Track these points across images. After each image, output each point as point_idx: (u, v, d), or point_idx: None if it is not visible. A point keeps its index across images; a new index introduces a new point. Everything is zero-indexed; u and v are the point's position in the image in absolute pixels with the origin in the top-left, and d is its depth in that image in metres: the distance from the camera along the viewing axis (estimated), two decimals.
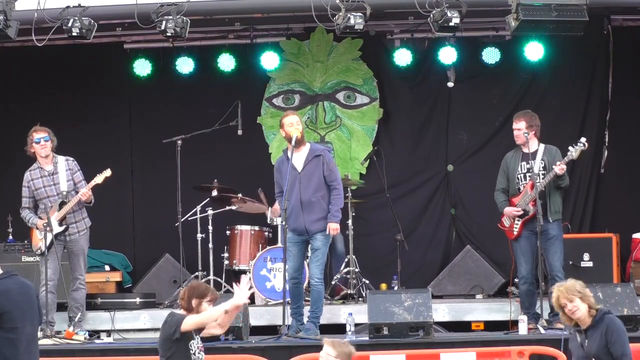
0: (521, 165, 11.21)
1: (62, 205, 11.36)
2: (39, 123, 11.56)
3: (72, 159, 11.55)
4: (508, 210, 11.22)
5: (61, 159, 11.50)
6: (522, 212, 11.11)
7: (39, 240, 11.24)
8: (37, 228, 11.22)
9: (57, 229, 11.30)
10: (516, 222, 11.19)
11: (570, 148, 11.09)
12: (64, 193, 11.40)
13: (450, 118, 13.91)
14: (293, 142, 10.86)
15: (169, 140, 12.89)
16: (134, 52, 13.78)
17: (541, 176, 11.07)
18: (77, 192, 11.38)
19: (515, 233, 11.23)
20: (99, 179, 11.38)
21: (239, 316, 10.50)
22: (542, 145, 11.27)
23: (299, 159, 10.96)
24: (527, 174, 11.16)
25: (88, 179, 11.48)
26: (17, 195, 12.63)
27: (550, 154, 11.18)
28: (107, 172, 11.42)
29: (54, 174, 11.43)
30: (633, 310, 10.34)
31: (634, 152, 13.58)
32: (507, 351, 9.81)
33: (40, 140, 11.40)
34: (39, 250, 11.25)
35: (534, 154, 11.18)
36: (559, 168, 10.95)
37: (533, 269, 11.10)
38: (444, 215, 13.88)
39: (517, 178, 11.23)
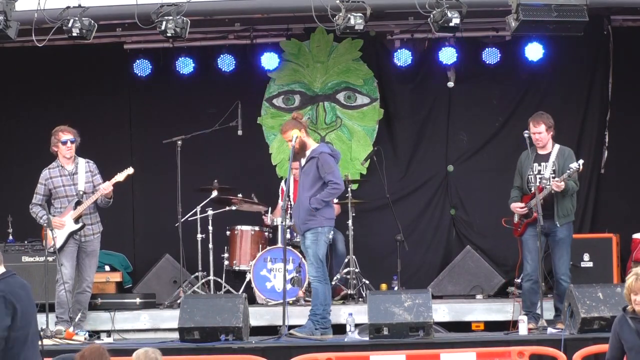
0: (533, 166, 11.23)
1: (77, 204, 11.39)
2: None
3: (92, 161, 11.60)
4: (513, 206, 11.28)
5: (81, 160, 11.55)
6: (526, 211, 11.13)
7: (52, 239, 11.24)
8: (50, 227, 11.17)
9: (72, 227, 11.33)
10: (522, 219, 11.23)
11: (571, 165, 11.05)
12: (81, 193, 11.42)
13: (450, 118, 13.91)
14: (291, 154, 11.04)
15: (169, 140, 12.89)
16: (134, 53, 13.78)
17: (551, 180, 11.09)
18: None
19: (519, 230, 11.28)
20: (120, 176, 11.42)
21: (239, 316, 10.52)
22: (557, 147, 11.28)
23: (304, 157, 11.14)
24: (538, 176, 11.18)
25: None
26: (18, 196, 12.66)
27: (563, 156, 11.19)
28: (129, 171, 11.47)
29: (74, 174, 11.47)
30: None
31: (634, 152, 13.58)
32: (507, 351, 9.80)
33: (67, 142, 11.45)
34: (52, 248, 11.26)
35: (547, 155, 11.21)
36: (555, 185, 10.98)
37: (538, 267, 11.12)
38: (444, 215, 13.88)
39: (528, 179, 11.24)
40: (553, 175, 11.12)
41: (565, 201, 11.13)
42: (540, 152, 11.25)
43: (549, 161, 11.20)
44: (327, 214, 11.03)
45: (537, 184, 11.14)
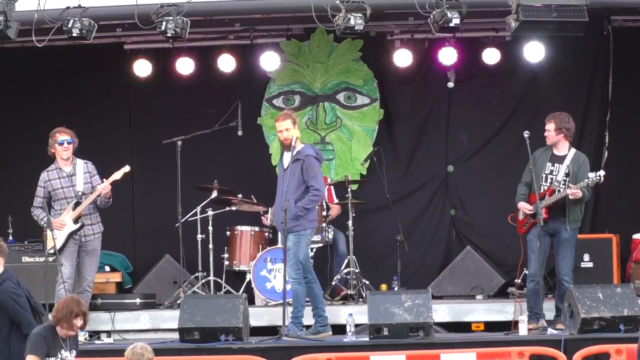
0: (547, 165, 11.22)
1: (76, 205, 11.38)
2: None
3: (90, 162, 11.58)
4: (521, 205, 11.26)
5: (79, 161, 11.53)
6: (533, 212, 11.11)
7: (53, 239, 11.23)
8: (50, 227, 11.17)
9: (72, 227, 11.32)
10: (528, 219, 11.22)
11: (590, 175, 11.04)
12: (80, 194, 11.41)
13: (450, 119, 13.91)
14: (291, 146, 10.97)
15: (169, 140, 12.89)
16: (134, 53, 13.77)
17: (562, 183, 11.08)
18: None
19: (524, 229, 11.28)
20: (117, 175, 11.40)
21: (239, 316, 10.51)
22: (573, 151, 11.26)
23: (287, 157, 11.07)
24: (550, 176, 11.17)
25: None
26: (18, 196, 12.65)
27: (577, 162, 11.17)
28: (126, 169, 11.46)
29: (72, 176, 11.45)
30: (633, 311, 10.33)
31: (634, 153, 13.58)
32: (507, 352, 9.79)
33: (64, 143, 11.43)
34: (52, 250, 11.25)
35: (562, 158, 11.20)
36: (571, 193, 10.96)
37: (542, 268, 11.11)
38: (444, 216, 13.88)
39: (541, 177, 11.23)
40: (565, 179, 11.10)
41: (577, 208, 11.12)
42: (556, 152, 11.23)
43: (563, 164, 11.19)
44: (310, 217, 11.03)
45: (548, 184, 11.14)
